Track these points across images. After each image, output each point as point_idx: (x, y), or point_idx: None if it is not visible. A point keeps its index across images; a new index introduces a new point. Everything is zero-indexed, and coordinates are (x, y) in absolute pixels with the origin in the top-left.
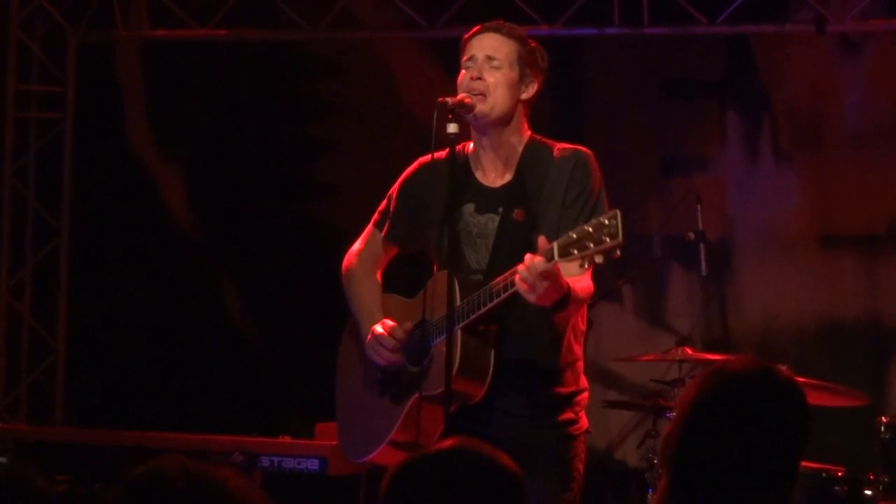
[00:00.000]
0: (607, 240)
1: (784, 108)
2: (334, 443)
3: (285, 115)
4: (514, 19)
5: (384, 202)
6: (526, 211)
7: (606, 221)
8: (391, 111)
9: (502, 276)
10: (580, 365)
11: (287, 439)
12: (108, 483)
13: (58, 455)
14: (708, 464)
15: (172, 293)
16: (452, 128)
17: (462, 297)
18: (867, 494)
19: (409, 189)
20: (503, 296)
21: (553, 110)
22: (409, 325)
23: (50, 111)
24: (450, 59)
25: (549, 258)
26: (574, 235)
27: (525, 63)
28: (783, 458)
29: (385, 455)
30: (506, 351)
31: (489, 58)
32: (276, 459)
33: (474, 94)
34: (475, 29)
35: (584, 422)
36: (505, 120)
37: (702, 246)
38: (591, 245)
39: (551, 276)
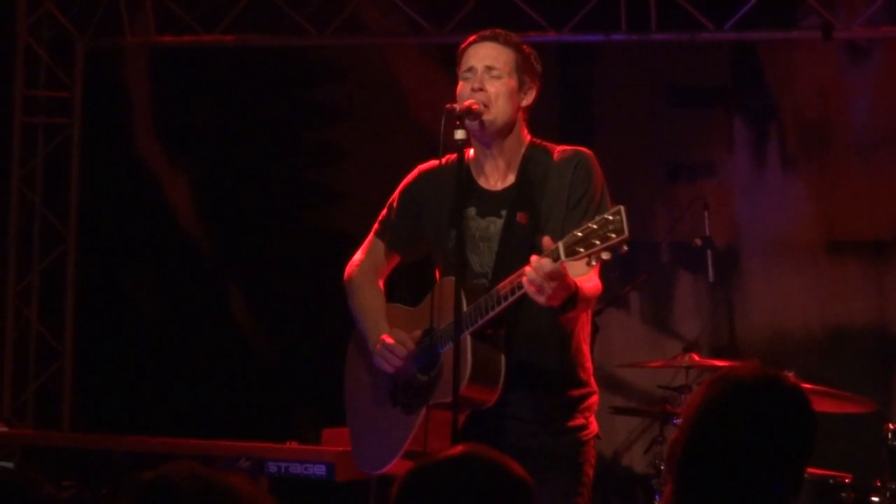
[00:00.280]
0: (613, 236)
1: (791, 114)
2: (341, 449)
3: (292, 120)
4: (521, 25)
5: (385, 211)
6: (529, 214)
7: (611, 217)
8: (398, 117)
9: (509, 279)
10: (589, 367)
11: (294, 445)
12: (114, 488)
13: (64, 460)
14: (713, 471)
15: (179, 298)
16: (460, 134)
17: (468, 303)
18: (874, 501)
19: (409, 196)
20: (511, 299)
21: (560, 116)
22: (417, 333)
23: (57, 117)
24: (456, 57)
25: (556, 258)
26: (579, 234)
27: (523, 70)
28: (789, 466)
29: (402, 466)
30: (514, 354)
31: (489, 68)
32: (283, 465)
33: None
34: (471, 39)
35: (595, 427)
36: (508, 128)
37: (709, 252)
38: (598, 242)
39: (558, 276)
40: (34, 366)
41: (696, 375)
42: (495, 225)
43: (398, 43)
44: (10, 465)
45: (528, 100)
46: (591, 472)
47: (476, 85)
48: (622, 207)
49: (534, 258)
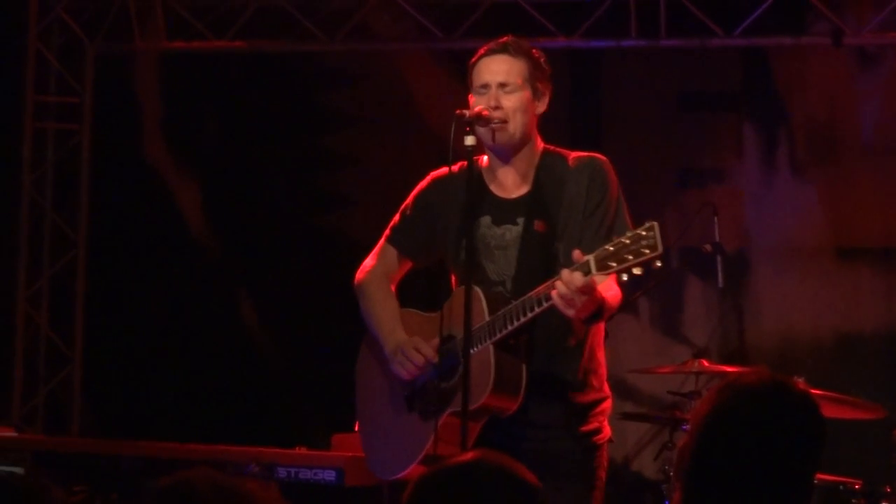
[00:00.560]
0: (647, 251)
1: (801, 120)
2: (351, 454)
3: (301, 126)
4: (531, 31)
5: (397, 217)
6: (546, 221)
7: (644, 233)
8: (408, 123)
9: (535, 290)
10: (603, 372)
11: (303, 450)
12: (125, 493)
13: (74, 465)
14: (722, 478)
15: (188, 304)
16: (470, 140)
17: (490, 312)
18: None
19: (423, 203)
20: (537, 310)
21: (570, 122)
22: (436, 341)
23: (67, 122)
24: (467, 71)
25: (586, 272)
26: (611, 248)
27: (536, 78)
28: (798, 473)
29: (419, 472)
30: (531, 360)
31: (502, 84)
32: (292, 470)
33: (495, 123)
34: (481, 51)
35: (608, 431)
36: (525, 138)
37: (718, 258)
38: (631, 257)
39: (589, 290)
40: (44, 371)
41: (705, 381)
42: (511, 233)
43: (408, 49)
44: (19, 470)
45: (542, 106)
46: (604, 476)
47: (493, 103)
48: (656, 223)
49: (565, 272)
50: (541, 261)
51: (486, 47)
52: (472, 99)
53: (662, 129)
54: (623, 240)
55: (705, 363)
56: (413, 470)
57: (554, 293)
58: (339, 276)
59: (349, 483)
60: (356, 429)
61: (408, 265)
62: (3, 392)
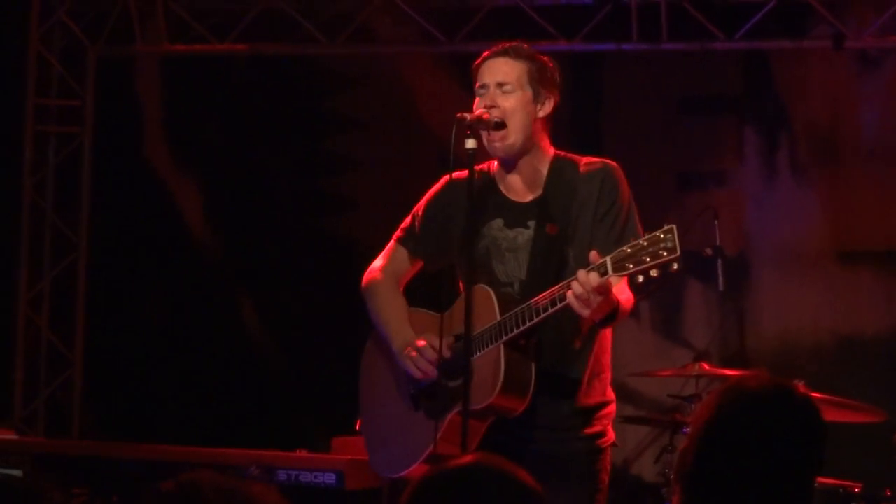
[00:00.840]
0: (665, 254)
1: (802, 123)
2: (351, 457)
3: (303, 129)
4: (532, 34)
5: (409, 218)
6: (557, 225)
7: (662, 235)
8: (409, 126)
9: (549, 291)
10: (607, 376)
11: (304, 453)
12: (125, 496)
13: (75, 468)
14: (723, 481)
15: (189, 307)
16: (471, 143)
17: (502, 312)
18: None
19: (436, 205)
20: (551, 310)
21: (571, 125)
22: (450, 340)
23: (69, 125)
24: (468, 74)
25: (603, 273)
26: (628, 250)
27: (538, 81)
28: (798, 476)
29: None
30: (538, 362)
31: (500, 84)
32: (292, 473)
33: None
34: (484, 54)
35: (612, 435)
36: (528, 143)
37: (719, 261)
38: (648, 259)
39: (605, 291)
40: (45, 374)
41: (706, 384)
42: (523, 235)
43: (410, 52)
44: (18, 472)
45: (545, 110)
46: (607, 479)
47: (488, 102)
48: (674, 226)
49: (581, 272)
50: (551, 264)
51: (489, 51)
52: (475, 103)
53: (663, 132)
54: (641, 242)
55: (706, 366)
56: (416, 469)
57: (569, 293)
58: (340, 278)
59: (349, 486)
60: (357, 427)
61: (417, 266)
62: (4, 394)
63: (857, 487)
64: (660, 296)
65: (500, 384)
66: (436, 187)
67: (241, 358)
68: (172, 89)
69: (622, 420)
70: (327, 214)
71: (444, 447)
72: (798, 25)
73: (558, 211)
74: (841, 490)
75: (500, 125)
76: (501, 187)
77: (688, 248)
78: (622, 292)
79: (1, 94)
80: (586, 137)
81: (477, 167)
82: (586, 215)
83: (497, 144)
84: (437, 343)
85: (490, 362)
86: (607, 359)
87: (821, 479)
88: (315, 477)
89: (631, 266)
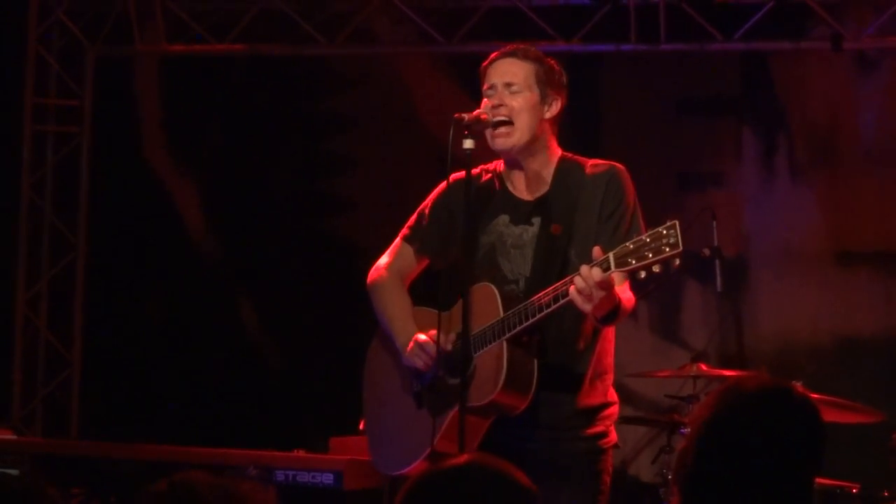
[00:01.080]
0: (667, 249)
1: (800, 124)
2: (349, 457)
3: (301, 129)
4: (530, 35)
5: (415, 217)
6: (561, 224)
7: (665, 231)
8: (408, 126)
9: (552, 287)
10: (610, 378)
11: (302, 453)
12: (123, 496)
13: (73, 468)
14: (721, 482)
15: (188, 307)
16: (468, 143)
17: (505, 309)
18: None
19: (443, 204)
20: (553, 307)
21: (570, 126)
22: (452, 335)
23: (67, 125)
24: (467, 74)
25: (605, 268)
26: (631, 246)
27: (545, 83)
28: (797, 477)
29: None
30: (541, 361)
31: (508, 84)
32: (290, 473)
33: (499, 125)
34: (492, 56)
35: (614, 436)
36: (534, 143)
37: (717, 262)
38: (650, 255)
39: (607, 286)
40: (43, 374)
41: (703, 385)
42: (528, 233)
43: (408, 53)
44: (14, 472)
45: (552, 112)
46: (608, 480)
47: (496, 101)
48: (676, 222)
49: (584, 267)
50: (554, 263)
51: (496, 52)
52: (483, 104)
53: (662, 133)
54: (644, 238)
55: (704, 367)
56: (416, 467)
57: (572, 288)
58: (339, 278)
59: (347, 486)
60: (361, 426)
61: (423, 264)
62: (2, 394)
63: (854, 488)
64: (658, 296)
65: (502, 381)
66: (442, 185)
67: (240, 358)
68: (171, 89)
69: (620, 420)
70: (326, 214)
71: (446, 445)
72: (797, 26)
73: (563, 210)
74: (839, 491)
75: (503, 123)
76: (508, 185)
77: (686, 248)
78: (624, 292)
79: None
80: (585, 138)
81: (484, 166)
82: (591, 216)
83: (500, 140)
84: (440, 339)
85: (492, 359)
86: (610, 360)
87: (818, 480)
88: (313, 477)
89: (633, 261)
